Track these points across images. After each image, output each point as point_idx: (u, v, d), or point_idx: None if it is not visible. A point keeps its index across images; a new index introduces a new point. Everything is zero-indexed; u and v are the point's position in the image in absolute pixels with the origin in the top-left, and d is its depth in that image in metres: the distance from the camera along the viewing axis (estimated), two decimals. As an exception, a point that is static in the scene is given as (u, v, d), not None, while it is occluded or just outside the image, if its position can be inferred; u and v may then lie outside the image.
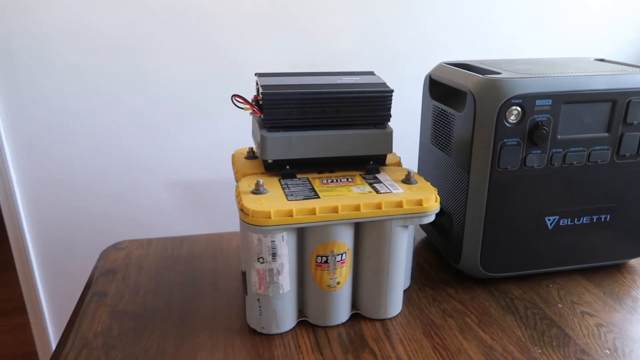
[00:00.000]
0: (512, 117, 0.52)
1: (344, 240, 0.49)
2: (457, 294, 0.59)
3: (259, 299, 0.50)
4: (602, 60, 0.67)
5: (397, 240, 0.51)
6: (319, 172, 0.56)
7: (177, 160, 1.30)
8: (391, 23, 1.29)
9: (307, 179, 0.54)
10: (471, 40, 1.33)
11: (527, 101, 0.52)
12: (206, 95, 1.27)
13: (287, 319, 0.51)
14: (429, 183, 0.54)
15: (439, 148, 0.63)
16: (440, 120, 0.61)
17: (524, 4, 1.32)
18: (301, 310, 0.53)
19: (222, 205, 1.37)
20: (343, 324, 0.53)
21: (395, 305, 0.54)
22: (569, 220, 0.58)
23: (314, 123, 0.55)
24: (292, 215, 0.46)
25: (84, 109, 1.19)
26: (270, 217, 0.46)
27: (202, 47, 1.21)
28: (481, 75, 0.54)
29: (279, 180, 0.54)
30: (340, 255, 0.50)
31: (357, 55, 1.30)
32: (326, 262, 0.50)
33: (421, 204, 0.49)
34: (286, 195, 0.49)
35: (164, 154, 1.28)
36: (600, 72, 0.55)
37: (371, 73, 0.61)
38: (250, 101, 0.53)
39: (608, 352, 0.50)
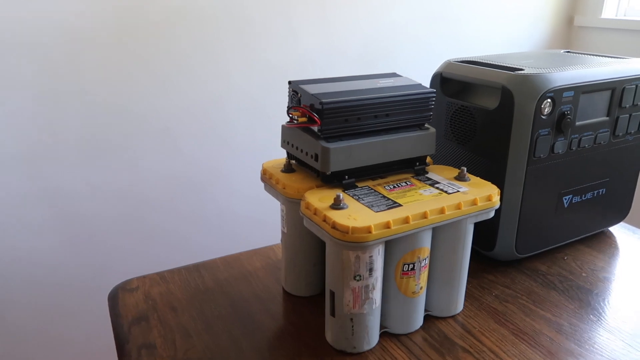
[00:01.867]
0: (546, 110, 0.56)
1: (428, 244, 0.49)
2: (497, 279, 0.62)
3: (351, 319, 0.48)
4: (569, 51, 0.75)
5: (469, 236, 0.52)
6: (372, 179, 0.55)
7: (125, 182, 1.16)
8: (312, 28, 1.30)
9: (369, 187, 0.53)
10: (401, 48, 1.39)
11: (557, 94, 0.56)
12: (161, 109, 1.16)
13: (375, 334, 0.50)
14: (479, 178, 0.56)
15: (458, 142, 0.65)
16: (460, 116, 0.64)
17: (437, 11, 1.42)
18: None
19: (168, 230, 1.27)
20: (422, 327, 0.53)
21: (462, 300, 0.55)
22: (579, 197, 0.65)
23: (367, 129, 0.53)
24: (389, 227, 0.45)
25: (9, 134, 1.01)
26: (370, 232, 0.44)
27: (152, 52, 1.10)
28: (512, 72, 0.57)
29: (344, 191, 0.51)
30: (424, 260, 0.50)
31: (317, 60, 1.29)
32: (412, 269, 0.49)
33: (490, 200, 0.51)
34: (368, 207, 0.47)
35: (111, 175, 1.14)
36: (601, 65, 0.62)
37: (395, 74, 0.61)
38: (312, 112, 0.50)
39: (644, 308, 0.57)
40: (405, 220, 0.46)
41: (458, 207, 0.49)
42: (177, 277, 0.62)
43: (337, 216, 0.45)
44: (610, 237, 0.73)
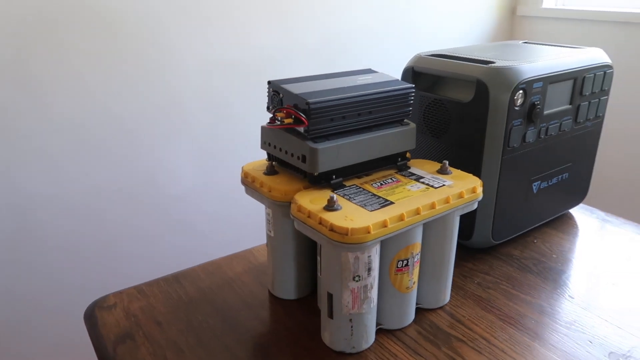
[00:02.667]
0: (519, 101, 0.58)
1: (419, 239, 0.50)
2: (477, 266, 0.64)
3: (350, 319, 0.47)
4: (527, 42, 0.78)
5: (455, 228, 0.53)
6: (358, 177, 0.55)
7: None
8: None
9: (357, 185, 0.52)
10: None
11: (528, 85, 0.58)
12: (120, 113, 1.10)
13: (373, 332, 0.50)
14: (460, 170, 0.57)
15: (432, 135, 0.66)
16: (433, 109, 0.65)
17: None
18: (373, 319, 0.52)
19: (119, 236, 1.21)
20: (413, 321, 0.54)
21: (449, 290, 0.57)
22: (546, 182, 0.68)
23: (351, 128, 0.53)
24: (386, 226, 0.45)
25: None
26: (369, 232, 0.44)
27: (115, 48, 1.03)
28: (485, 65, 0.59)
29: (333, 191, 0.51)
30: (417, 255, 0.50)
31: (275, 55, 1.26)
32: (406, 265, 0.49)
33: (475, 191, 0.52)
34: (362, 207, 0.47)
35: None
36: (564, 55, 0.64)
37: (370, 70, 0.61)
38: (299, 113, 0.49)
39: (613, 284, 0.60)
40: (400, 218, 0.46)
41: (447, 201, 0.50)
42: (156, 290, 0.60)
43: (333, 218, 0.45)
44: (571, 218, 0.77)
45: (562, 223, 0.75)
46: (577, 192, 0.75)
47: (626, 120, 1.50)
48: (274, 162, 0.56)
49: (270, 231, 0.55)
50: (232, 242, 1.42)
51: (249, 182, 0.56)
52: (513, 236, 0.69)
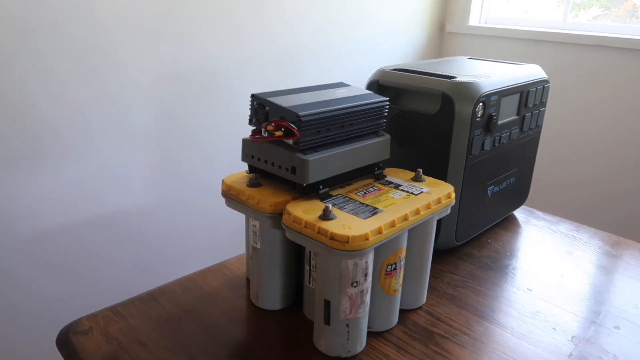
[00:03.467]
0: (480, 113, 0.64)
1: (405, 244, 0.53)
2: (444, 267, 0.69)
3: (347, 324, 0.49)
4: (472, 58, 0.85)
5: (433, 232, 0.57)
6: (341, 187, 0.57)
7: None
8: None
9: (342, 195, 0.54)
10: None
11: (487, 98, 0.64)
12: (66, 124, 1.02)
13: (365, 335, 0.52)
14: (432, 178, 0.61)
15: (398, 145, 0.70)
16: (399, 121, 0.69)
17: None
18: (362, 323, 0.54)
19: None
20: (398, 322, 0.56)
21: (426, 291, 0.60)
22: (498, 186, 0.75)
23: (335, 139, 0.55)
24: (381, 232, 0.47)
25: None
26: (368, 239, 0.46)
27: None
28: (449, 80, 0.64)
29: (322, 201, 0.52)
30: (403, 259, 0.53)
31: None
32: (394, 268, 0.52)
33: (450, 197, 0.56)
34: (355, 215, 0.49)
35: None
36: (512, 71, 0.71)
37: (343, 84, 0.63)
38: (291, 125, 0.50)
39: (562, 276, 0.67)
40: (392, 224, 0.48)
41: (428, 206, 0.53)
42: (133, 310, 0.57)
43: (332, 227, 0.46)
44: (516, 219, 0.84)
45: (509, 223, 0.82)
46: (521, 194, 0.83)
47: (548, 129, 1.66)
48: (257, 174, 0.57)
49: (256, 243, 0.55)
50: (192, 256, 1.37)
51: (233, 195, 0.55)
52: (471, 237, 0.74)
